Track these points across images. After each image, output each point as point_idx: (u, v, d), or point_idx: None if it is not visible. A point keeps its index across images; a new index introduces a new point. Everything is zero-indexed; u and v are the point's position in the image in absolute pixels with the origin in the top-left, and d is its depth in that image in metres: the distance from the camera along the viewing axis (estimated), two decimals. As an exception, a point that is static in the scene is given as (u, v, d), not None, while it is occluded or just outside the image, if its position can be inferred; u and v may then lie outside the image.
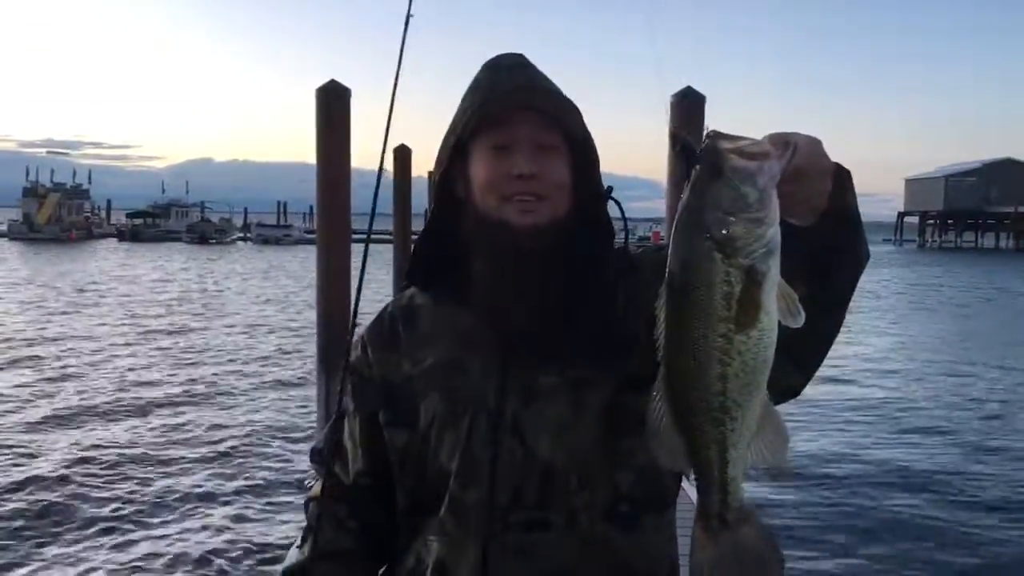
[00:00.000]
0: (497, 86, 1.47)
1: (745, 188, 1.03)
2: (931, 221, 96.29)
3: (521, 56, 1.54)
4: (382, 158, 1.75)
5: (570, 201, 1.48)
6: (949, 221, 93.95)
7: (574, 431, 1.41)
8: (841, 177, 1.19)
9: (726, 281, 1.04)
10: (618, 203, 1.55)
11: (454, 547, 1.45)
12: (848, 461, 10.27)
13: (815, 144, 1.13)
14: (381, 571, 1.63)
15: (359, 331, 1.67)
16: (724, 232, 1.03)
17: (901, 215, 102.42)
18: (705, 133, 1.06)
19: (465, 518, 1.44)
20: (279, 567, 1.66)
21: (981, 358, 18.30)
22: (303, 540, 1.64)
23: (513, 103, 1.45)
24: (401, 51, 1.69)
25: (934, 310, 28.86)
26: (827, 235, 1.19)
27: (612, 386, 1.42)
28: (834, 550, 7.44)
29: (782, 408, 1.16)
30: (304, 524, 1.69)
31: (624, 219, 1.59)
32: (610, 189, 1.55)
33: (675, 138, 1.09)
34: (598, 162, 1.54)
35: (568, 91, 1.50)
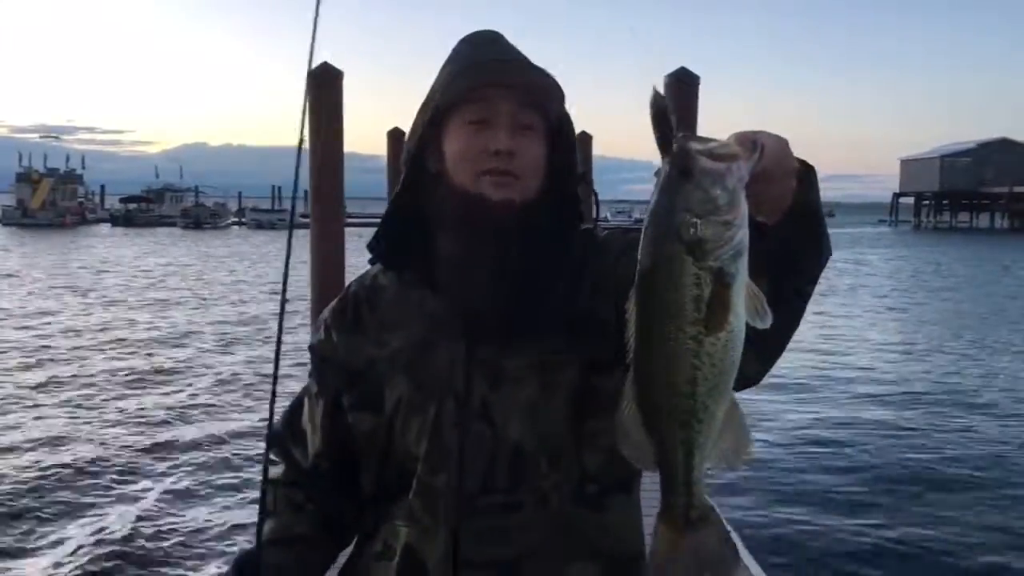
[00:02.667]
0: (477, 60, 1.45)
1: (715, 190, 1.03)
2: (926, 202, 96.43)
3: (496, 33, 1.52)
4: (300, 140, 1.68)
5: (543, 182, 1.46)
6: (944, 201, 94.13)
7: (543, 413, 1.41)
8: (806, 175, 1.19)
9: (696, 283, 1.04)
10: (591, 188, 1.55)
11: (423, 532, 1.44)
12: (840, 441, 10.34)
13: (782, 144, 1.12)
14: (347, 556, 1.61)
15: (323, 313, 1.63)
16: (694, 234, 1.03)
17: (896, 196, 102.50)
18: (674, 135, 1.05)
19: (434, 503, 1.43)
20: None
21: (976, 338, 18.40)
22: (259, 527, 1.60)
23: (493, 78, 1.43)
24: (314, 32, 1.67)
25: (931, 291, 28.93)
26: (792, 232, 1.19)
27: (579, 368, 1.41)
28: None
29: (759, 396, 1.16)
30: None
31: (596, 204, 1.58)
32: (583, 174, 1.54)
33: (655, 102, 1.06)
34: (575, 144, 1.53)
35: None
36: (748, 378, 1.30)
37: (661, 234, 1.05)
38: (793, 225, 1.18)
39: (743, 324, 1.07)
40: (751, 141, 1.07)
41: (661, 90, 1.06)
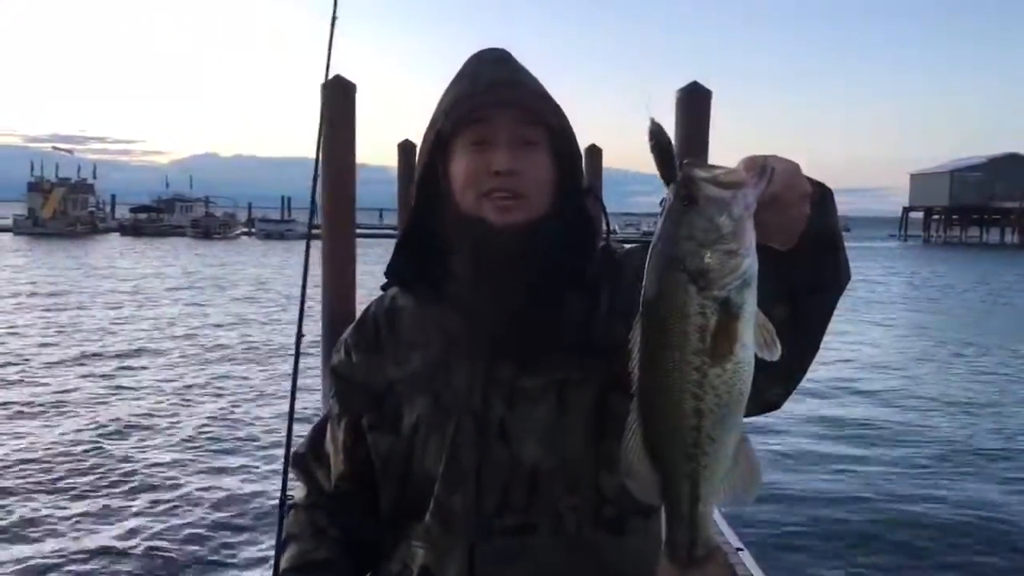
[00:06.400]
0: (476, 81, 1.45)
1: (719, 218, 1.00)
2: (936, 216, 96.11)
3: (503, 51, 1.51)
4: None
5: (551, 198, 1.45)
6: (954, 216, 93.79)
7: (560, 434, 1.40)
8: (822, 199, 1.16)
9: (700, 313, 1.01)
10: (600, 201, 1.53)
11: (440, 553, 1.43)
12: (848, 460, 10.31)
13: (792, 169, 1.09)
14: None
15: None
16: (698, 264, 1.01)
17: (906, 210, 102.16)
18: (679, 162, 1.02)
19: (451, 524, 1.42)
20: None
21: (982, 352, 18.33)
22: (282, 550, 1.61)
23: (491, 99, 1.43)
24: (329, 51, 1.69)
25: (940, 310, 28.83)
26: (807, 258, 1.16)
27: (597, 388, 1.40)
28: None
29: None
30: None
31: (606, 218, 1.56)
32: (590, 188, 1.53)
33: (654, 133, 1.03)
34: (580, 158, 1.52)
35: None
36: (769, 402, 1.29)
37: (665, 263, 1.03)
38: (810, 251, 1.15)
39: (751, 355, 1.04)
40: (759, 167, 1.03)
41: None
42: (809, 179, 1.14)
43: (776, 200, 1.05)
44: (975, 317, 25.85)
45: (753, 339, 1.03)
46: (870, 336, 20.74)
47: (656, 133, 1.02)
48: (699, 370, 1.03)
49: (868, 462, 10.09)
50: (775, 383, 1.25)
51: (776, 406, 1.31)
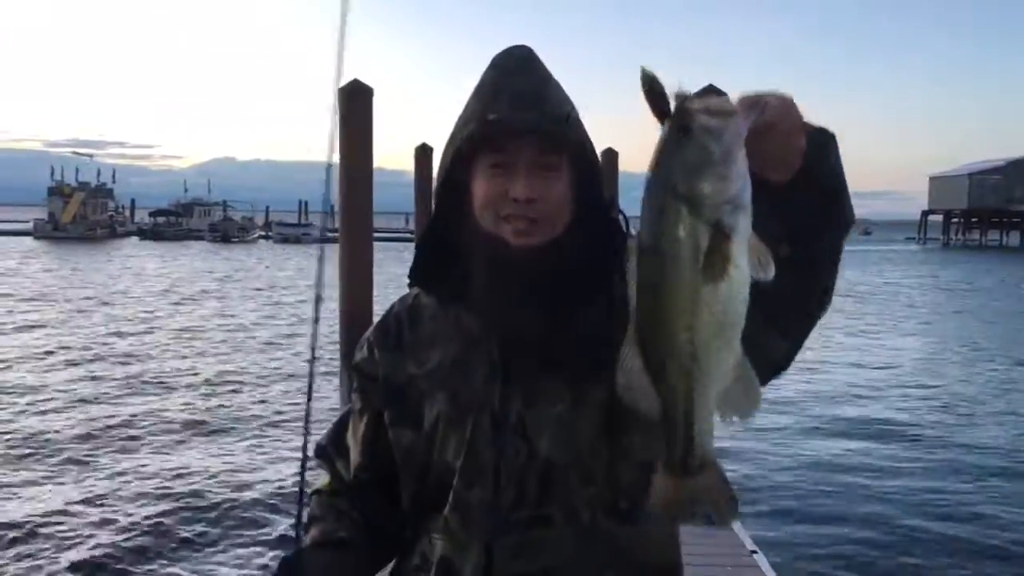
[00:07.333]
0: (498, 96, 1.44)
1: (710, 145, 1.03)
2: (955, 219, 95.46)
3: (526, 52, 1.49)
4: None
5: (571, 214, 1.47)
6: (973, 219, 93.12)
7: (575, 429, 1.44)
8: (823, 138, 1.20)
9: (692, 235, 1.05)
10: (622, 212, 1.55)
11: (458, 546, 1.47)
12: (867, 465, 10.28)
13: (787, 100, 1.12)
14: (389, 569, 1.65)
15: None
16: (689, 188, 1.04)
17: (925, 213, 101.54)
18: (675, 94, 1.06)
19: (469, 517, 1.46)
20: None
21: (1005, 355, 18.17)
22: (305, 532, 1.65)
23: (511, 125, 1.42)
24: (340, 51, 1.72)
25: (959, 311, 28.59)
26: (808, 196, 1.18)
27: (611, 385, 1.41)
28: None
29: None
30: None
31: (627, 224, 1.59)
32: (611, 199, 1.54)
33: (646, 79, 1.06)
34: (600, 171, 1.54)
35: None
36: (776, 361, 1.31)
37: (658, 189, 1.07)
38: (808, 187, 1.17)
39: (746, 277, 1.07)
40: (753, 99, 1.08)
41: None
42: (811, 124, 1.18)
43: (771, 128, 1.09)
44: (1006, 320, 25.56)
45: (747, 261, 1.06)
46: (903, 343, 20.50)
47: (649, 79, 1.06)
48: (693, 287, 1.06)
49: (892, 472, 9.97)
50: (780, 335, 1.28)
51: (782, 365, 1.34)
